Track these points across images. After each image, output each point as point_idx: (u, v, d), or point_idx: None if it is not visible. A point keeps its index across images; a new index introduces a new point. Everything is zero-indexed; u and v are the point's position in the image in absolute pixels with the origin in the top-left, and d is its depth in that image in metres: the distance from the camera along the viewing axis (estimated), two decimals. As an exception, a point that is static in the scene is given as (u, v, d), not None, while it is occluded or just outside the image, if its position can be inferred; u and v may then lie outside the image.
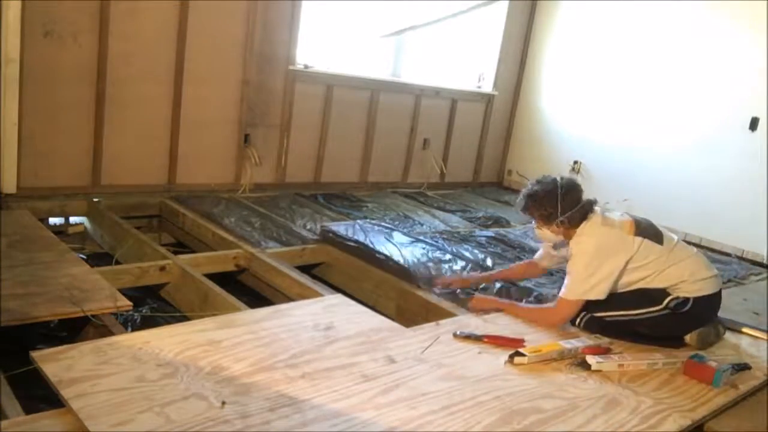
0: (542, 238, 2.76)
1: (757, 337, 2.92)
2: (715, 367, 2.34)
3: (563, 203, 2.56)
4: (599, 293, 2.55)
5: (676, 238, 2.75)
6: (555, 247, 2.83)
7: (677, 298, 2.58)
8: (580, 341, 2.48)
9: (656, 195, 5.28)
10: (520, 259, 3.80)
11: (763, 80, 4.76)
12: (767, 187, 4.74)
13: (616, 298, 2.61)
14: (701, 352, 2.52)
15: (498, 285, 3.09)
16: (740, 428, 2.17)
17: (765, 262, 4.75)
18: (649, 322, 2.59)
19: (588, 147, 5.79)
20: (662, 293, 2.59)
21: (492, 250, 3.92)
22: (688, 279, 2.59)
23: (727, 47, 4.97)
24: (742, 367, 2.47)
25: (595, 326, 2.63)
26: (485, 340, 2.42)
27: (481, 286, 3.06)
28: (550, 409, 2.00)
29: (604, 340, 2.53)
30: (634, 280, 2.61)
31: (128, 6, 3.78)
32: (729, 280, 4.06)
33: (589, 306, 2.61)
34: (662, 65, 5.32)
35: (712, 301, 2.66)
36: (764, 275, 4.33)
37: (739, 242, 4.90)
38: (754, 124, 4.85)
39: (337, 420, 1.76)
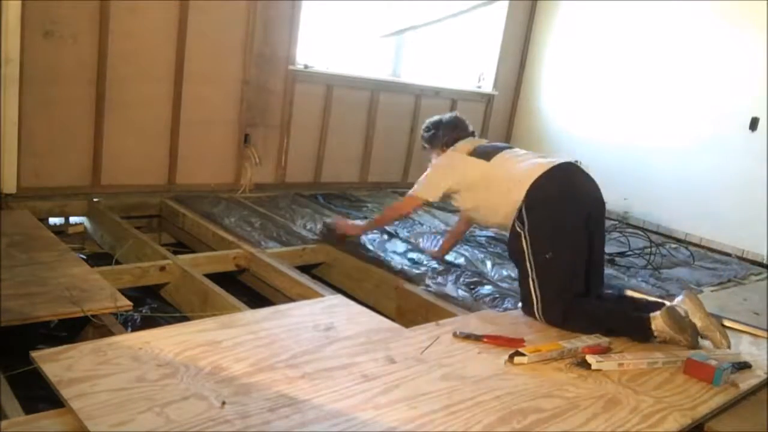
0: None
1: (754, 334, 2.92)
2: (715, 366, 2.34)
3: (444, 128, 3.29)
4: (433, 195, 3.17)
5: (512, 153, 3.05)
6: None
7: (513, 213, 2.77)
8: (580, 341, 2.48)
9: (656, 195, 5.28)
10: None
11: (763, 80, 4.76)
12: (767, 187, 4.75)
13: (521, 272, 2.77)
14: (702, 351, 2.52)
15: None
16: (740, 427, 2.17)
17: (765, 262, 4.76)
18: (541, 249, 2.67)
19: (588, 147, 5.78)
20: (512, 225, 2.78)
21: (492, 250, 3.92)
22: (514, 182, 2.81)
23: (728, 47, 4.97)
24: (742, 366, 2.47)
25: (554, 312, 2.66)
26: (485, 340, 2.42)
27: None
28: (550, 408, 2.00)
29: (604, 340, 2.52)
30: (478, 204, 3.02)
31: (128, 5, 3.78)
32: (729, 280, 4.07)
33: (527, 298, 2.73)
34: (662, 65, 5.32)
35: (546, 184, 2.76)
36: (764, 275, 4.33)
37: (739, 242, 4.90)
38: (754, 124, 4.85)
39: (337, 420, 1.76)
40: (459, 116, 3.37)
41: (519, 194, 2.76)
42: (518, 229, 2.75)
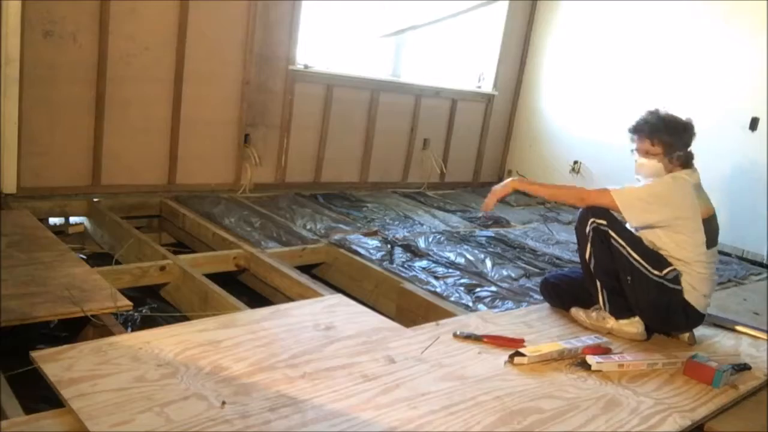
0: (643, 171, 2.68)
1: (754, 336, 2.92)
2: (715, 368, 2.34)
3: (686, 140, 2.58)
4: (632, 216, 2.56)
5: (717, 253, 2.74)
6: (643, 179, 2.72)
7: (675, 271, 2.56)
8: (580, 341, 2.48)
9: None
10: (521, 259, 3.81)
11: (763, 80, 4.76)
12: (767, 187, 4.74)
13: (631, 235, 2.60)
14: (701, 353, 2.52)
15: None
16: (740, 428, 2.17)
17: (765, 262, 4.76)
18: (639, 278, 2.56)
19: (588, 147, 5.79)
20: (666, 263, 2.57)
21: (492, 250, 3.92)
22: (696, 287, 2.59)
23: (727, 47, 4.97)
24: (742, 368, 2.47)
25: (596, 239, 2.60)
26: (485, 340, 2.42)
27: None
28: (550, 409, 2.00)
29: (605, 341, 2.52)
30: (664, 246, 2.59)
31: (128, 6, 3.78)
32: (729, 280, 4.07)
33: (610, 219, 2.60)
34: (662, 65, 5.32)
35: (696, 316, 2.66)
36: (764, 275, 4.33)
37: (739, 242, 4.90)
38: (754, 124, 4.85)
39: (337, 420, 1.76)
40: (692, 125, 2.65)
41: (691, 289, 2.59)
42: (661, 267, 2.57)
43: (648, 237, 2.63)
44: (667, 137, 2.57)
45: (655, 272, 2.56)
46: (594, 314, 2.71)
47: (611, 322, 2.66)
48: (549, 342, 2.46)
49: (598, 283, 2.68)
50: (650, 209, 2.56)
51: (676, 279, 2.57)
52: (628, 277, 2.59)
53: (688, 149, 2.61)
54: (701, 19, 5.12)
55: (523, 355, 2.29)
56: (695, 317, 2.65)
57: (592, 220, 2.63)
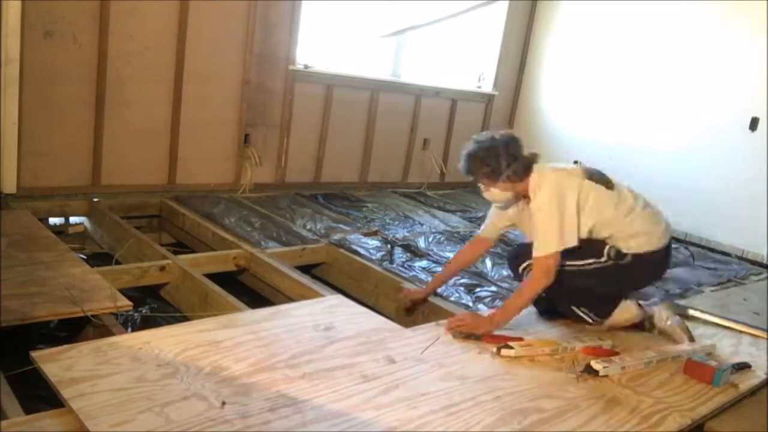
0: (493, 199, 2.66)
1: (739, 331, 2.95)
2: (715, 367, 2.34)
3: (505, 156, 2.50)
4: (571, 239, 2.46)
5: (626, 188, 2.69)
6: (504, 207, 2.71)
7: (614, 247, 2.55)
8: (579, 341, 2.48)
9: (656, 195, 5.18)
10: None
11: (763, 80, 4.76)
12: (767, 187, 4.74)
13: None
14: (700, 353, 2.52)
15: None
16: (740, 428, 2.17)
17: (765, 262, 4.76)
18: (600, 274, 2.56)
19: (588, 147, 5.78)
20: (601, 244, 2.57)
21: (492, 249, 3.91)
22: (630, 231, 2.55)
23: (727, 47, 4.97)
24: (742, 366, 2.47)
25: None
26: (485, 340, 2.42)
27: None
28: (550, 408, 2.00)
29: (606, 342, 2.52)
30: (584, 227, 2.53)
31: (128, 6, 3.78)
32: (729, 280, 4.07)
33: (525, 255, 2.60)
34: (662, 65, 5.32)
35: (654, 257, 2.61)
36: (764, 275, 4.33)
37: (739, 242, 4.90)
38: (754, 124, 4.85)
39: (337, 420, 1.76)
40: (510, 135, 2.62)
41: (637, 247, 2.56)
42: (606, 253, 2.56)
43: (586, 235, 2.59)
44: (484, 167, 2.53)
45: (602, 259, 2.56)
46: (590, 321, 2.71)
47: (606, 322, 2.67)
48: (547, 341, 2.46)
49: (572, 307, 2.69)
50: (561, 222, 2.46)
51: (617, 253, 2.55)
52: (596, 283, 2.60)
53: (519, 158, 2.52)
54: (701, 19, 5.12)
55: (511, 347, 2.30)
56: (659, 257, 2.64)
57: (520, 270, 2.68)
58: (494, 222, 2.83)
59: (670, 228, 2.72)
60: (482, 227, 2.92)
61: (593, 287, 2.62)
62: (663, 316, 2.74)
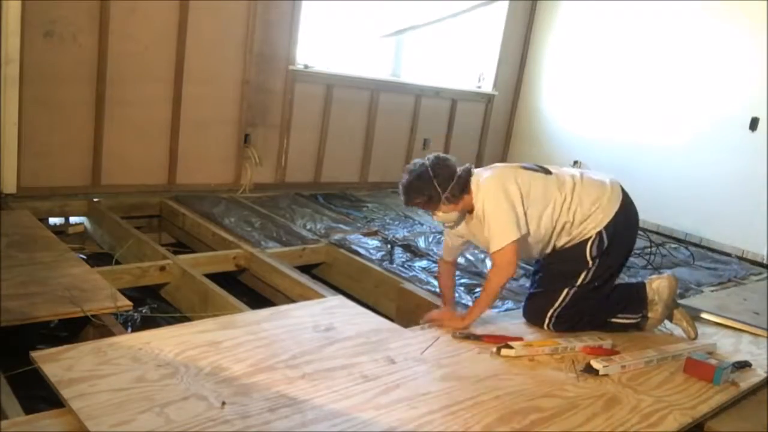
0: (444, 222, 2.61)
1: (739, 330, 2.96)
2: (715, 365, 2.34)
3: (439, 181, 2.47)
4: (522, 226, 2.44)
5: (561, 169, 2.70)
6: (456, 225, 2.62)
7: (591, 239, 2.52)
8: (579, 340, 2.48)
9: (656, 195, 5.27)
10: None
11: (763, 80, 4.76)
12: (767, 187, 4.74)
13: (552, 285, 2.60)
14: (701, 351, 2.52)
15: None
16: (740, 426, 2.16)
17: (765, 262, 4.76)
18: (600, 278, 2.57)
19: (588, 147, 5.79)
20: (579, 249, 2.54)
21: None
22: (586, 205, 2.53)
23: (727, 47, 4.97)
24: (743, 365, 2.47)
25: (568, 314, 2.58)
26: (485, 340, 2.42)
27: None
28: (549, 408, 2.00)
29: (607, 342, 2.52)
30: (547, 225, 2.52)
31: (128, 6, 3.78)
32: (729, 280, 4.07)
33: (543, 306, 2.60)
34: (662, 65, 5.32)
35: (621, 215, 2.57)
36: (764, 275, 4.33)
37: (739, 242, 4.90)
38: (754, 124, 4.85)
39: (337, 420, 1.76)
40: (438, 158, 2.57)
41: (605, 217, 2.53)
42: (589, 255, 2.53)
43: (544, 235, 2.56)
44: (420, 197, 2.50)
45: (589, 266, 2.56)
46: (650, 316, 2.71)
47: (654, 308, 2.68)
48: (547, 341, 2.46)
49: (610, 321, 2.67)
50: (510, 214, 2.44)
51: (597, 246, 2.54)
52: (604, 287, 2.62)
53: (454, 178, 2.49)
54: (701, 19, 5.12)
55: (510, 347, 2.30)
56: (623, 216, 2.59)
57: (545, 325, 2.61)
58: (448, 244, 2.77)
59: (617, 184, 2.67)
60: (441, 252, 2.86)
61: (607, 293, 2.62)
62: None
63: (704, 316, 3.08)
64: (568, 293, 2.58)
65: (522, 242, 2.48)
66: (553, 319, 2.60)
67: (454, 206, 2.52)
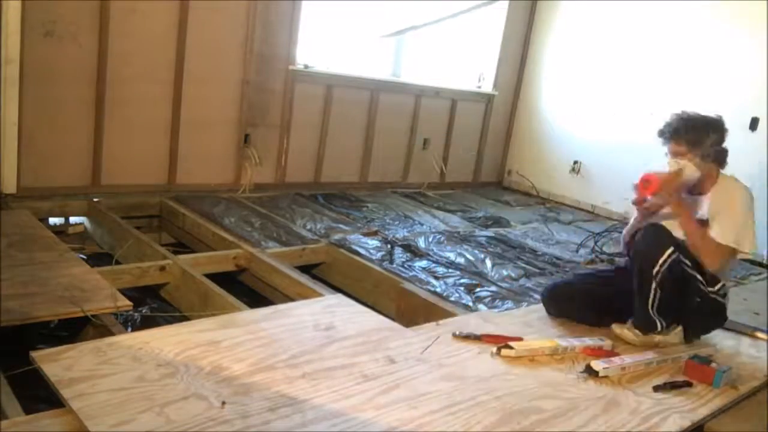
0: (683, 168, 2.54)
1: (739, 332, 2.94)
2: (715, 368, 2.34)
3: (719, 138, 2.52)
4: (751, 245, 2.45)
5: None
6: (689, 179, 2.55)
7: (725, 285, 2.59)
8: (579, 340, 2.48)
9: (656, 195, 5.27)
10: (521, 259, 3.81)
11: (763, 80, 4.75)
12: (767, 187, 4.74)
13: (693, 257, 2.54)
14: (700, 353, 2.52)
15: None
16: (740, 429, 2.16)
17: (765, 262, 4.75)
18: (704, 298, 2.55)
19: (588, 147, 5.79)
20: (715, 277, 2.56)
21: (492, 250, 3.92)
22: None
23: (728, 47, 4.97)
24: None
25: (667, 277, 2.47)
26: (485, 339, 2.42)
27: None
28: (550, 409, 2.00)
29: (607, 342, 2.52)
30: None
31: (128, 6, 3.78)
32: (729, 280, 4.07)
33: (678, 247, 2.51)
34: (662, 65, 5.32)
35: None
36: (764, 275, 4.33)
37: (739, 242, 4.89)
38: (754, 124, 4.85)
39: (337, 420, 1.76)
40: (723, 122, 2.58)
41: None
42: (718, 292, 2.58)
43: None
44: (691, 136, 2.51)
45: (710, 288, 2.57)
46: (637, 331, 2.61)
47: (657, 338, 2.59)
48: (547, 341, 2.46)
49: (653, 309, 2.58)
50: (750, 225, 2.49)
51: (724, 292, 2.61)
52: (697, 299, 2.57)
53: (720, 147, 2.54)
54: (701, 19, 5.12)
55: (511, 347, 2.30)
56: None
57: (664, 258, 2.49)
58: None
59: None
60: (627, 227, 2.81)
61: (696, 307, 2.58)
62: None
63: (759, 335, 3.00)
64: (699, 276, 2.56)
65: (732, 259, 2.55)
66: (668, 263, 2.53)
67: (704, 166, 2.52)
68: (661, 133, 2.61)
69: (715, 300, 2.59)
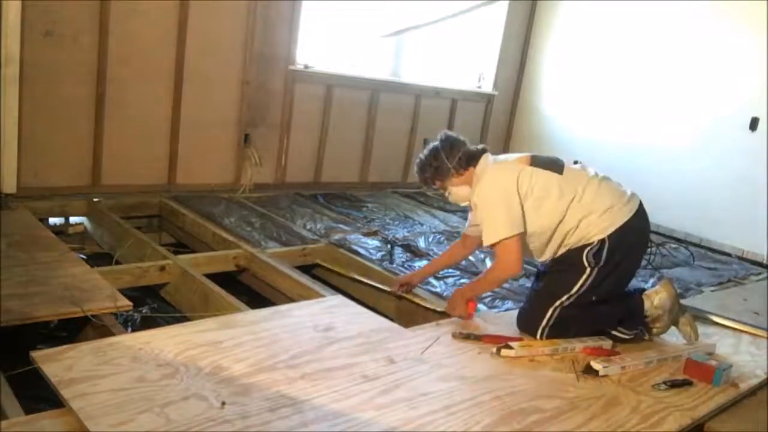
0: (457, 200, 2.66)
1: (739, 331, 2.95)
2: (715, 366, 2.34)
3: (448, 153, 2.56)
4: (519, 226, 2.44)
5: (579, 167, 2.65)
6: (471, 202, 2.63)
7: (590, 245, 2.45)
8: (579, 341, 2.48)
9: (656, 195, 5.24)
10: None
11: (763, 80, 4.76)
12: (767, 187, 4.74)
13: (546, 293, 2.53)
14: (701, 352, 2.52)
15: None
16: (740, 427, 2.17)
17: (765, 262, 4.75)
18: (596, 290, 2.46)
19: (588, 147, 5.78)
20: (577, 254, 2.47)
21: (492, 250, 3.91)
22: (595, 211, 2.46)
23: (727, 47, 4.97)
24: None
25: (557, 329, 2.49)
26: (485, 340, 2.42)
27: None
28: (550, 408, 2.00)
29: (607, 342, 2.52)
30: (544, 225, 2.49)
31: (128, 6, 3.78)
32: (729, 280, 4.07)
33: (534, 316, 2.53)
34: (662, 65, 5.32)
35: (631, 229, 2.49)
36: (764, 275, 4.33)
37: (739, 242, 4.90)
38: (754, 124, 4.85)
39: (337, 420, 1.76)
40: (447, 133, 2.68)
41: (610, 225, 2.46)
42: (586, 261, 2.46)
43: (548, 230, 2.52)
44: (429, 169, 2.60)
45: (585, 273, 2.47)
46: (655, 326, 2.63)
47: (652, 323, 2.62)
48: (547, 341, 2.46)
49: (609, 332, 2.58)
50: (506, 212, 2.45)
51: (594, 253, 2.46)
52: (598, 300, 2.52)
53: (461, 150, 2.57)
54: (701, 19, 5.12)
55: (511, 347, 2.30)
56: (633, 229, 2.52)
57: (538, 335, 2.50)
58: (471, 220, 2.77)
59: (637, 198, 2.60)
60: (467, 225, 2.86)
61: (601, 306, 2.52)
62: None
63: (714, 318, 3.06)
64: (555, 310, 2.49)
65: (521, 240, 2.46)
66: (545, 332, 2.51)
67: (464, 180, 2.58)
68: (424, 183, 2.70)
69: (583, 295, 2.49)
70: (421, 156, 2.64)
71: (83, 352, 1.93)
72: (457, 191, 2.62)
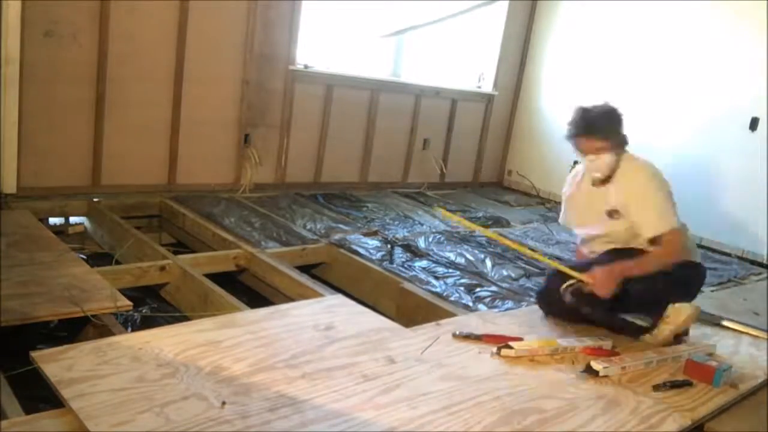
0: (598, 166, 2.62)
1: (739, 331, 2.94)
2: (715, 367, 2.34)
3: (622, 119, 2.57)
4: (678, 220, 2.52)
5: None
6: (600, 173, 2.62)
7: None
8: (579, 340, 2.48)
9: (656, 195, 5.28)
10: (521, 259, 3.81)
11: (763, 80, 4.76)
12: (767, 187, 4.74)
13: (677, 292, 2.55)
14: (701, 353, 2.52)
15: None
16: (740, 428, 2.17)
17: (765, 262, 4.75)
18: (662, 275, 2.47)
19: (588, 147, 5.77)
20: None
21: (492, 250, 3.91)
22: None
23: (728, 47, 4.97)
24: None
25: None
26: (485, 340, 2.42)
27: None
28: (550, 409, 2.00)
29: (606, 342, 2.52)
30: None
31: (128, 6, 3.78)
32: (729, 280, 4.07)
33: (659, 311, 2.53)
34: (662, 65, 5.32)
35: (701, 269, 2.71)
36: (764, 275, 4.33)
37: (739, 242, 4.90)
38: (754, 124, 4.85)
39: (337, 420, 1.76)
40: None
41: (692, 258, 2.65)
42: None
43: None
44: (607, 127, 2.59)
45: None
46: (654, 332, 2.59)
47: (662, 327, 2.58)
48: (547, 341, 2.46)
49: (622, 316, 2.59)
50: (670, 200, 2.59)
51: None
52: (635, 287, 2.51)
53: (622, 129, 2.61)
54: (701, 19, 5.12)
55: (511, 347, 2.30)
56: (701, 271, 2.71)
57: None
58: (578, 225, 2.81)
59: None
60: (579, 240, 2.86)
61: (650, 288, 2.49)
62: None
63: (726, 324, 3.03)
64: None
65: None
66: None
67: (612, 154, 2.57)
68: (573, 132, 2.65)
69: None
70: (598, 112, 2.58)
71: (83, 352, 1.93)
72: (605, 158, 2.58)
